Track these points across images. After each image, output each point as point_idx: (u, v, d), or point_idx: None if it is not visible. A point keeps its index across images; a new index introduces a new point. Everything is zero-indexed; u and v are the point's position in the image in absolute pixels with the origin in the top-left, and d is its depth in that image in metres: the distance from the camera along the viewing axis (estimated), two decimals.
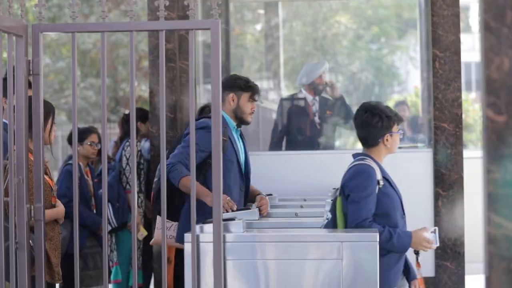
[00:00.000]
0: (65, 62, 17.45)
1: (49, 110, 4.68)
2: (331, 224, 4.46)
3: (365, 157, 4.51)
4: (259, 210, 5.14)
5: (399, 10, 21.02)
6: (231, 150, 5.09)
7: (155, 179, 5.25)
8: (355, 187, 4.39)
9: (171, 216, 5.09)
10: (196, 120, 5.00)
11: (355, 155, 4.61)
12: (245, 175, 5.23)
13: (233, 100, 5.18)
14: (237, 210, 4.74)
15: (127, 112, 7.95)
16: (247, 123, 5.24)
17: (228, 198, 4.82)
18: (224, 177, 5.03)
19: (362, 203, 4.36)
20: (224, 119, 5.12)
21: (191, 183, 4.04)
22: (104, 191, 4.11)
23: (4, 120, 4.54)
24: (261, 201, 5.17)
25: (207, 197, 4.77)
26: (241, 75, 5.34)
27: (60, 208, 4.64)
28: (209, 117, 5.04)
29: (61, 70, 17.55)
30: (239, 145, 5.22)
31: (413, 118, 10.97)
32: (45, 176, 4.60)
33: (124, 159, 7.13)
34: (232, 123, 5.19)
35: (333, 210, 4.50)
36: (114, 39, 16.87)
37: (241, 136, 5.32)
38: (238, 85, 5.20)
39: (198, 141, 4.65)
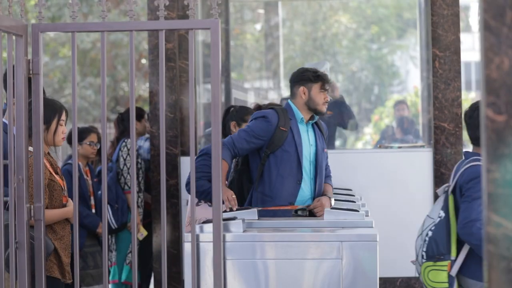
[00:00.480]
0: (64, 61, 17.45)
1: (55, 110, 4.62)
2: (444, 222, 4.43)
3: (481, 158, 4.49)
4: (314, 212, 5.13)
5: (399, 9, 21.03)
6: (290, 141, 5.10)
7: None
8: (471, 188, 4.34)
9: (241, 204, 5.14)
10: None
11: (467, 154, 4.57)
12: (315, 169, 5.18)
13: (304, 93, 5.18)
14: (237, 209, 4.74)
15: (122, 111, 7.91)
16: (322, 113, 5.23)
17: (234, 196, 4.81)
18: (278, 167, 5.07)
19: (473, 204, 4.30)
20: (292, 111, 5.18)
21: (190, 183, 4.03)
22: (104, 190, 4.11)
23: (4, 120, 4.54)
24: (315, 203, 5.11)
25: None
26: (308, 67, 5.33)
27: (70, 208, 4.62)
28: (272, 108, 5.23)
29: (60, 69, 17.55)
30: (306, 137, 5.19)
31: (401, 120, 10.98)
32: (56, 176, 4.59)
33: (121, 159, 7.11)
34: (300, 115, 5.18)
35: (445, 209, 4.47)
36: (113, 39, 16.87)
37: (315, 129, 5.27)
38: (307, 77, 5.20)
39: (254, 128, 5.06)
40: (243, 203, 5.14)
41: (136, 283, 4.09)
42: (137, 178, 7.16)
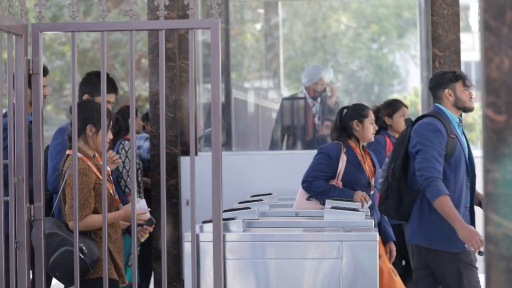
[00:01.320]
0: (64, 61, 17.44)
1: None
2: None
3: None
4: None
5: (399, 9, 21.03)
6: (458, 147, 5.04)
7: (380, 180, 5.19)
8: None
9: (401, 215, 5.04)
10: (421, 118, 5.16)
11: None
12: (471, 171, 5.13)
13: (450, 95, 5.15)
14: (237, 209, 4.74)
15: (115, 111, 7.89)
16: (471, 109, 5.20)
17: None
18: (455, 175, 4.98)
19: None
20: (447, 116, 5.11)
21: (190, 188, 4.03)
22: (104, 190, 4.11)
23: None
24: None
25: (460, 228, 4.71)
26: (445, 70, 5.31)
27: (120, 212, 4.55)
28: (433, 116, 5.09)
29: (60, 69, 17.55)
30: (463, 140, 5.15)
31: None
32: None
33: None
34: (455, 118, 5.14)
35: None
36: (113, 38, 16.87)
37: (463, 131, 5.25)
38: (448, 78, 5.18)
39: (437, 144, 4.93)
40: (400, 211, 5.02)
41: (136, 283, 4.09)
42: (136, 178, 7.15)
